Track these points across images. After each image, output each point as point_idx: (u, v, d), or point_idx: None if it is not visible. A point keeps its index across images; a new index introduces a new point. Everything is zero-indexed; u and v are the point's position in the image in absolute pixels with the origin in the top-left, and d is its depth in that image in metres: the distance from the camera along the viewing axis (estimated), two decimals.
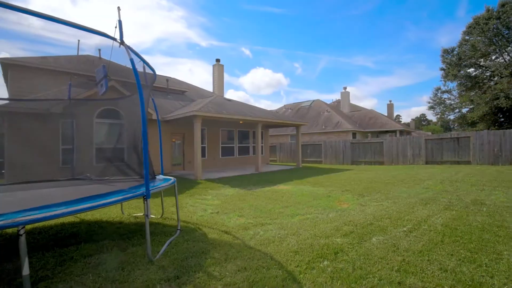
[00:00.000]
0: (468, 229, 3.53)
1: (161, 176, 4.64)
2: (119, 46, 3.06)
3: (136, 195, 2.91)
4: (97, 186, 4.03)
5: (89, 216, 5.44)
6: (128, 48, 3.06)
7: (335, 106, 32.60)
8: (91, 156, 6.65)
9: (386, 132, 25.44)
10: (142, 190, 2.97)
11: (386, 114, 35.18)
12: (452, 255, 2.76)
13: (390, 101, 35.66)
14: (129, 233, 4.10)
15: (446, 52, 24.54)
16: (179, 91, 18.44)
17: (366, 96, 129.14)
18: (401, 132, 25.62)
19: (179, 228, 4.21)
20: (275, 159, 22.23)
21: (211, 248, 3.28)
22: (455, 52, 24.02)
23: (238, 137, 16.75)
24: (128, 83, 14.51)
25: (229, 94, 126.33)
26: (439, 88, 26.49)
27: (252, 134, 17.65)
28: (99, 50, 18.65)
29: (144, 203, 2.93)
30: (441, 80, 26.48)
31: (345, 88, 30.02)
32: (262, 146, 18.37)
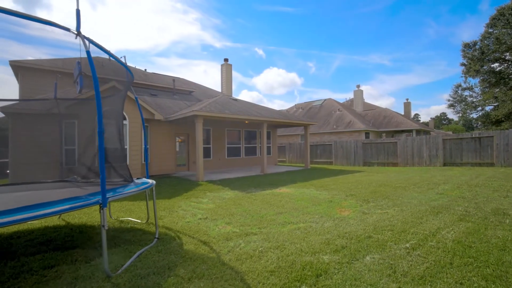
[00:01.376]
0: (485, 248, 2.95)
1: (140, 180, 4.34)
2: (76, 38, 2.77)
3: (89, 203, 2.59)
4: (65, 191, 3.77)
5: (76, 219, 5.26)
6: (86, 39, 2.75)
7: (348, 105, 31.56)
8: (77, 157, 6.49)
9: (402, 131, 24.23)
10: (99, 197, 2.64)
11: (403, 113, 33.67)
12: (461, 283, 2.23)
13: (407, 99, 34.06)
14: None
15: (467, 46, 23.01)
16: (186, 91, 18.36)
17: (383, 94, 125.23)
18: (418, 131, 24.33)
19: (156, 236, 3.88)
20: (284, 159, 21.70)
21: (181, 263, 2.92)
22: (477, 46, 22.46)
23: (245, 138, 16.40)
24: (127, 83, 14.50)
25: (243, 95, 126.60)
26: (460, 85, 24.93)
27: (259, 134, 17.24)
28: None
29: (100, 212, 2.61)
30: (461, 76, 24.90)
31: (358, 86, 28.96)
32: (270, 147, 17.94)
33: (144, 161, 11.54)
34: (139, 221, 5.00)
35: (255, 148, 16.79)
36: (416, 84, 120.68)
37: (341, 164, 17.81)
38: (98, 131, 2.64)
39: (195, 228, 4.29)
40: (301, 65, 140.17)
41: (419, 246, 3.07)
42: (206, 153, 14.52)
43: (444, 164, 13.53)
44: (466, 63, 23.44)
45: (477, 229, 3.61)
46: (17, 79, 12.82)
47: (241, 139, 16.22)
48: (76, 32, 2.76)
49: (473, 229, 3.60)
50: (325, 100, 29.48)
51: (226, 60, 22.07)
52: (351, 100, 32.46)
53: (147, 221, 4.94)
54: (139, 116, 11.17)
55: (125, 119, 10.81)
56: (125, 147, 10.56)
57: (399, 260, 2.70)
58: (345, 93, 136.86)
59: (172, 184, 9.56)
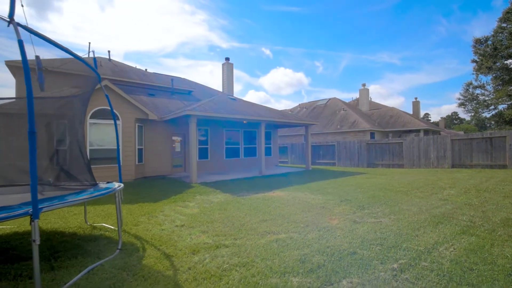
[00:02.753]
0: (489, 272, 2.46)
1: (106, 184, 3.99)
2: (8, 26, 2.42)
3: (16, 215, 2.23)
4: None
5: (50, 224, 4.98)
6: (19, 26, 2.40)
7: (354, 104, 30.78)
8: (48, 159, 6.19)
9: (410, 131, 23.38)
10: (29, 207, 2.28)
11: (411, 113, 32.65)
12: None
13: (416, 98, 32.98)
14: (64, 250, 3.48)
15: (478, 42, 21.98)
16: (185, 90, 18.08)
17: (392, 94, 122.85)
18: (426, 131, 23.43)
19: (119, 247, 3.52)
20: (287, 160, 21.21)
21: (130, 282, 2.54)
22: (489, 42, 21.42)
23: (244, 138, 16.01)
24: (125, 82, 14.33)
25: (250, 95, 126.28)
26: (471, 83, 23.87)
27: (263, 134, 16.80)
28: (109, 51, 18.86)
29: (31, 225, 2.25)
30: (473, 74, 23.82)
31: (364, 85, 28.17)
32: (270, 147, 17.50)
33: (138, 161, 11.29)
34: (113, 227, 4.67)
35: (255, 149, 16.37)
36: (427, 83, 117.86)
37: (344, 166, 17.21)
38: (29, 132, 2.29)
39: (166, 238, 3.91)
40: (308, 64, 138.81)
41: (410, 267, 2.60)
42: (204, 154, 14.20)
43: (453, 166, 12.80)
44: (477, 60, 22.41)
45: (482, 245, 3.10)
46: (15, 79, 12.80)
47: (241, 140, 15.84)
48: (8, 19, 2.41)
49: (477, 245, 3.09)
50: (329, 99, 28.80)
51: (227, 59, 21.75)
52: (357, 100, 31.66)
53: (119, 228, 4.61)
54: (132, 116, 10.93)
55: (118, 119, 10.59)
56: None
57: (381, 287, 2.24)
58: (353, 93, 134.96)
59: (164, 186, 9.25)
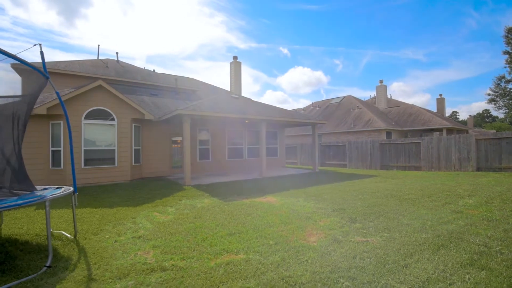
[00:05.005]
0: None
1: (41, 190, 3.53)
2: None
3: None
4: None
5: (13, 229, 4.66)
6: None
7: (372, 102, 29.15)
8: None
9: (431, 130, 21.57)
10: None
11: (435, 110, 30.40)
12: None
13: (441, 95, 30.60)
14: None
15: (511, 31, 19.78)
16: (190, 90, 17.79)
17: (417, 91, 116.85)
18: (450, 130, 21.51)
19: (47, 264, 3.03)
20: (296, 161, 20.32)
21: None
22: None
23: (248, 138, 15.39)
24: (128, 83, 14.12)
25: (267, 95, 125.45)
26: (503, 77, 21.61)
27: (264, 134, 16.11)
28: (117, 53, 19.05)
29: None
30: (505, 67, 21.51)
31: (381, 81, 26.53)
32: (276, 148, 16.75)
33: (135, 162, 11.04)
34: (69, 236, 4.25)
35: (259, 150, 15.69)
36: (455, 80, 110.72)
37: (355, 167, 16.06)
38: None
39: (109, 253, 3.39)
40: (327, 63, 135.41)
41: None
42: (205, 154, 13.76)
43: (478, 169, 11.37)
44: (510, 51, 20.19)
45: (494, 286, 2.25)
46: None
47: (244, 140, 15.24)
48: None
49: (487, 286, 2.25)
50: (343, 97, 27.44)
51: (235, 58, 21.26)
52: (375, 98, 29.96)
53: (75, 236, 4.18)
54: (128, 117, 10.68)
55: (113, 119, 10.38)
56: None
57: None
58: (374, 91, 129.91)
59: (155, 188, 8.86)
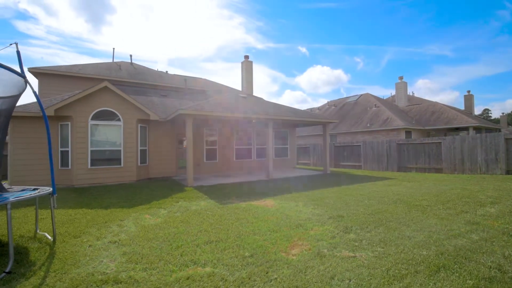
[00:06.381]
0: None
1: (15, 192, 3.43)
2: None
3: None
4: None
5: (1, 230, 4.70)
6: None
7: (391, 101, 27.71)
8: None
9: (457, 129, 20.01)
10: None
11: (463, 108, 28.30)
12: None
13: (469, 91, 28.41)
14: None
15: None
16: (200, 91, 17.80)
17: (444, 88, 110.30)
18: (478, 129, 19.81)
19: (7, 270, 2.90)
20: (309, 162, 19.68)
21: None
22: None
23: (257, 138, 15.07)
24: (139, 84, 14.28)
25: (286, 95, 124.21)
26: None
27: (273, 134, 15.72)
28: (131, 56, 19.48)
29: None
30: None
31: (401, 78, 25.09)
32: (287, 148, 16.28)
33: (141, 163, 11.11)
34: (50, 238, 4.18)
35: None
36: (487, 75, 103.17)
37: (371, 169, 15.19)
38: None
39: (76, 259, 3.23)
40: (347, 61, 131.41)
41: None
42: (212, 155, 13.62)
43: (508, 172, 10.22)
44: None
45: None
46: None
47: (253, 140, 14.93)
48: None
49: None
50: (361, 95, 26.28)
51: (246, 57, 21.02)
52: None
53: (54, 239, 4.08)
54: (134, 117, 10.75)
55: (119, 120, 10.49)
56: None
57: None
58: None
59: (157, 189, 8.81)
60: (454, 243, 3.30)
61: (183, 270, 2.82)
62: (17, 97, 4.07)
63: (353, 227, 4.15)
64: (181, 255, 3.24)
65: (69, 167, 9.66)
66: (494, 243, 3.26)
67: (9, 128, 9.56)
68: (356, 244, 3.41)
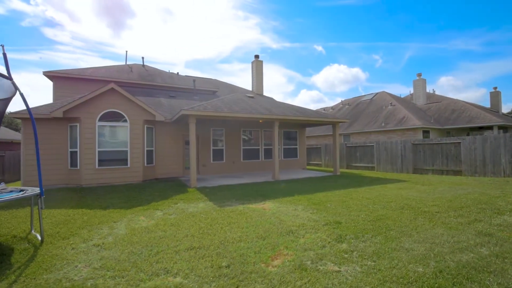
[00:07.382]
0: None
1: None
2: None
3: None
4: None
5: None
6: None
7: (409, 99, 26.47)
8: None
9: (480, 128, 18.71)
10: None
11: (489, 106, 26.51)
12: None
13: (495, 88, 26.55)
14: None
15: None
16: (209, 91, 17.82)
17: (470, 85, 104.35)
18: (504, 128, 18.40)
19: None
20: (320, 162, 19.17)
21: None
22: None
23: (264, 139, 14.82)
24: (149, 85, 14.42)
25: (302, 95, 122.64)
26: None
27: (282, 134, 15.41)
28: (143, 58, 19.85)
29: None
30: None
31: (419, 75, 23.88)
32: (296, 148, 15.92)
33: (147, 163, 11.21)
34: (39, 238, 4.19)
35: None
36: None
37: (384, 170, 14.49)
38: None
39: (53, 263, 3.18)
40: (365, 59, 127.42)
41: None
42: (219, 155, 13.54)
43: None
44: None
45: None
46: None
47: (260, 141, 14.70)
48: None
49: None
50: (376, 94, 25.29)
51: (256, 56, 20.86)
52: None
53: (42, 241, 4.08)
54: (141, 118, 10.86)
55: (126, 121, 10.63)
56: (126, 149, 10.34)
57: None
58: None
59: (159, 190, 8.81)
60: (458, 259, 2.91)
61: (152, 280, 2.66)
62: (7, 100, 4.11)
63: (347, 235, 3.83)
64: (157, 262, 3.09)
65: (78, 167, 9.90)
66: (506, 260, 2.84)
67: (21, 130, 9.96)
68: (346, 256, 3.10)
